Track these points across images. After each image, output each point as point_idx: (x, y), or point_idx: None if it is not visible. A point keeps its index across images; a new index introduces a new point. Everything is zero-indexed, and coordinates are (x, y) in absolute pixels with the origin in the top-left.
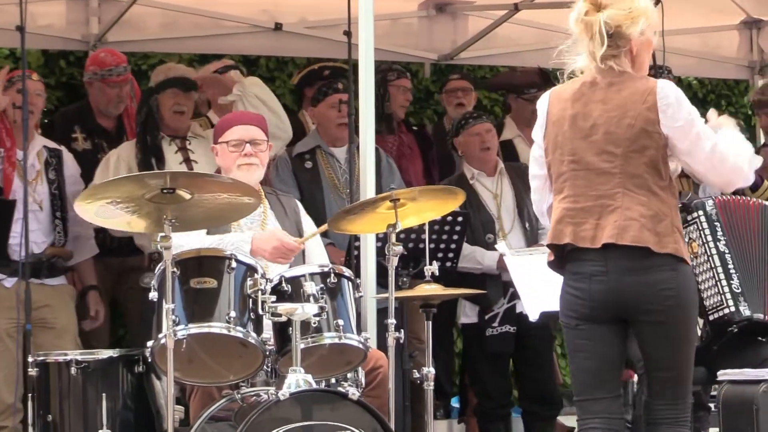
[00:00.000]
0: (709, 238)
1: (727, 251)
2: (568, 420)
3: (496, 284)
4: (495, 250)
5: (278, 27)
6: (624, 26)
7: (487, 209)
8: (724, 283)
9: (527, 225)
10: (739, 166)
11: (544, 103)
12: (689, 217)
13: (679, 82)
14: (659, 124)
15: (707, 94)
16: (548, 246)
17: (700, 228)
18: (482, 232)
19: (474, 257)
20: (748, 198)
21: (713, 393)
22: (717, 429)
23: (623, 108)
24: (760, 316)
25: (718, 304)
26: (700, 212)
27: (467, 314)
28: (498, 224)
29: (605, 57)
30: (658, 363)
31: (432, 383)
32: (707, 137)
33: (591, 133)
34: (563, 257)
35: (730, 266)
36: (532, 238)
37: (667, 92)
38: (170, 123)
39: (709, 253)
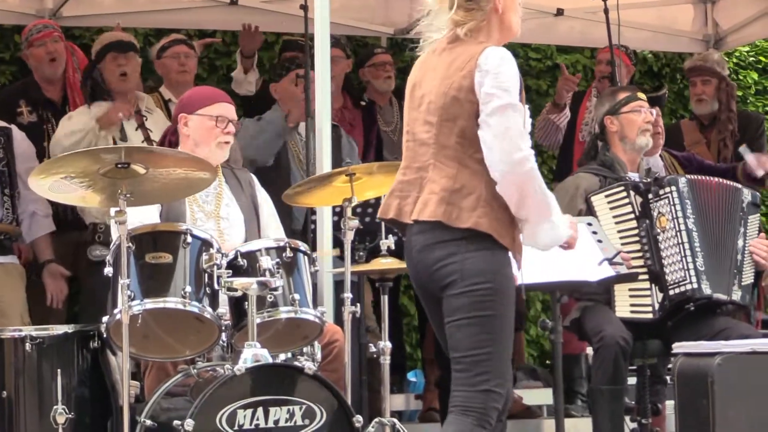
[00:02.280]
0: (679, 214)
1: (694, 229)
2: (525, 393)
3: None
4: None
5: (234, 1)
6: None
7: None
8: (689, 259)
9: None
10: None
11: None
12: (661, 192)
13: (634, 55)
14: (473, 92)
15: (662, 68)
16: (378, 219)
17: (672, 203)
18: None
19: None
20: (719, 180)
21: (670, 366)
22: (673, 401)
23: (443, 76)
24: (722, 296)
25: (680, 280)
26: (673, 188)
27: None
28: None
29: (460, 20)
30: (450, 345)
31: (388, 357)
32: (508, 120)
33: (421, 102)
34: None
35: (696, 244)
36: None
37: (489, 58)
38: (116, 87)
39: (677, 229)
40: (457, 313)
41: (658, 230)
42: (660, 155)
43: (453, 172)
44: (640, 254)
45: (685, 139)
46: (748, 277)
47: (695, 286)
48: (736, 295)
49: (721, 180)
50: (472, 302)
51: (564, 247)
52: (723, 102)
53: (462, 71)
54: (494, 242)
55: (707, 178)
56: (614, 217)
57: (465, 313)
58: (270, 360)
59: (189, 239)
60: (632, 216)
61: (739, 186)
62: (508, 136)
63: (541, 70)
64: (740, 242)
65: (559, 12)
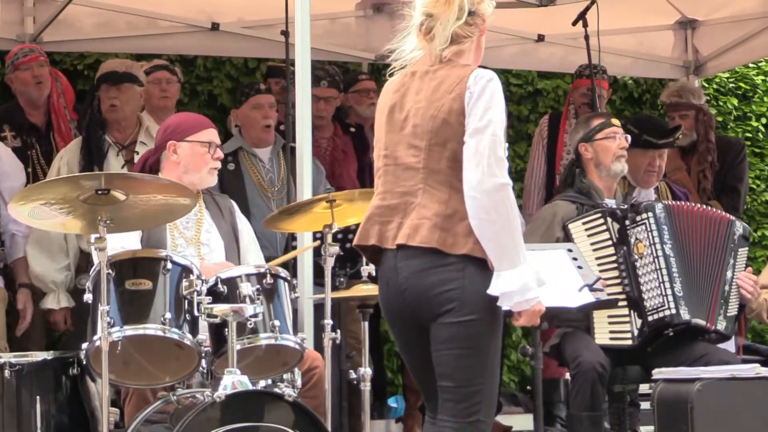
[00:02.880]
0: (656, 240)
1: (672, 255)
2: (506, 419)
3: None
4: None
5: (215, 27)
6: (483, 3)
7: None
8: (667, 285)
9: None
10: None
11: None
12: (638, 218)
13: (614, 81)
14: (463, 114)
15: (642, 94)
16: (355, 247)
17: (649, 229)
18: None
19: None
20: (695, 204)
21: (643, 391)
22: (651, 428)
23: (431, 98)
24: (700, 321)
25: (659, 305)
26: (650, 214)
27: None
28: None
29: (458, 36)
30: (441, 372)
31: (369, 383)
32: (486, 142)
33: (404, 125)
34: (375, 258)
35: (674, 270)
36: None
37: (479, 80)
38: (107, 117)
39: (655, 255)
40: (452, 342)
41: (636, 256)
42: (657, 189)
43: (445, 197)
44: (618, 281)
45: (667, 166)
46: (733, 308)
47: (673, 311)
48: (721, 325)
49: (712, 209)
50: (471, 333)
51: (513, 314)
52: (701, 134)
53: (451, 93)
54: (486, 267)
55: (687, 204)
56: (592, 244)
57: (462, 342)
58: (250, 386)
59: (169, 266)
60: (610, 243)
61: (733, 218)
62: (484, 159)
63: (522, 96)
64: (729, 273)
65: (540, 38)
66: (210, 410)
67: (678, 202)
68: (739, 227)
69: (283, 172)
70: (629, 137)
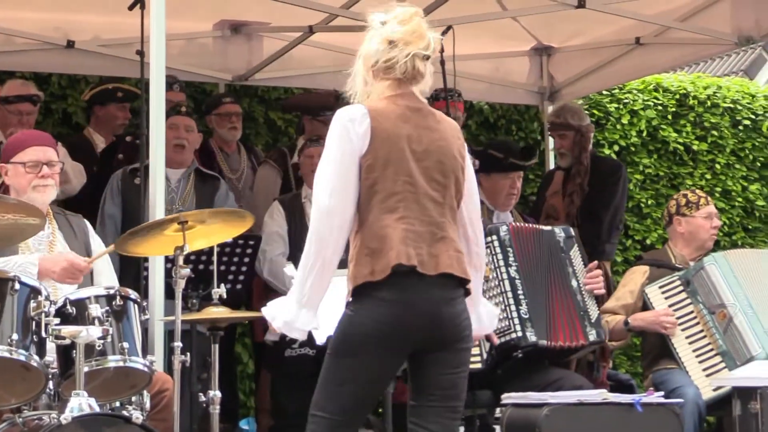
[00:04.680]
0: (501, 263)
1: (517, 277)
2: None
3: None
4: (290, 266)
5: (70, 44)
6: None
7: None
8: (513, 308)
9: None
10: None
11: (361, 118)
12: None
13: (470, 107)
14: (465, 162)
15: (498, 119)
16: (395, 266)
17: (493, 253)
18: (301, 249)
19: (279, 275)
20: (534, 225)
21: (497, 415)
22: None
23: (448, 140)
24: (545, 342)
25: (506, 329)
26: (494, 237)
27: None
28: None
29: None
30: (451, 394)
31: (218, 406)
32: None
33: (423, 158)
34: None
35: (520, 292)
36: (346, 262)
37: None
38: None
39: (500, 278)
40: (463, 366)
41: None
42: (511, 212)
43: (458, 234)
44: None
45: (549, 189)
46: (594, 312)
47: (520, 334)
48: (592, 335)
49: (534, 226)
50: (469, 359)
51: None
52: (575, 155)
53: (459, 140)
54: None
55: (527, 225)
56: None
57: (466, 367)
58: (97, 409)
59: (17, 286)
60: None
61: (549, 228)
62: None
63: None
64: (574, 283)
65: None
66: None
67: (521, 224)
68: (560, 232)
69: (188, 195)
70: (477, 162)
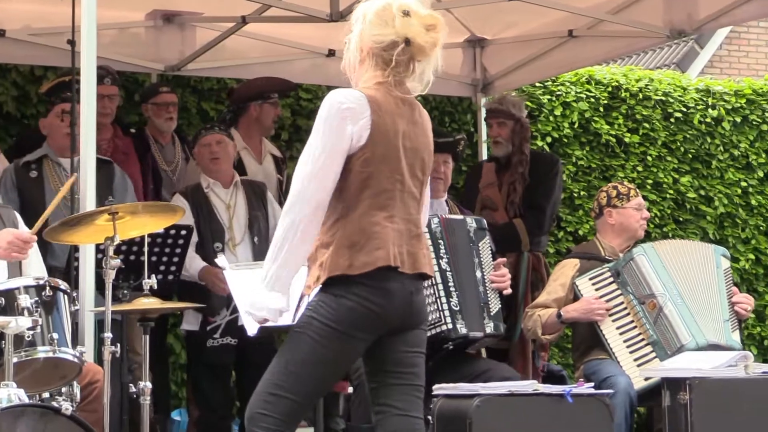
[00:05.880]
0: (432, 255)
1: (448, 269)
2: None
3: (219, 295)
4: (221, 257)
5: (1, 33)
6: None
7: (218, 218)
8: (443, 300)
9: (256, 239)
10: None
11: (362, 106)
12: None
13: None
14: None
15: (431, 111)
16: (382, 268)
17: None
18: (211, 240)
19: (184, 265)
20: (457, 216)
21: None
22: None
23: (427, 135)
24: (477, 334)
25: (436, 321)
26: (425, 229)
27: (190, 321)
28: (228, 234)
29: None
30: (416, 372)
31: (148, 397)
32: None
33: (412, 155)
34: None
35: (451, 284)
36: (260, 252)
37: None
38: None
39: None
40: (422, 346)
41: None
42: (446, 200)
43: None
44: None
45: (481, 180)
46: (495, 306)
47: (450, 326)
48: (489, 327)
49: (448, 216)
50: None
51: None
52: (516, 144)
53: (431, 134)
54: None
55: (455, 216)
56: None
57: (425, 347)
58: (26, 400)
59: None
60: None
61: (461, 216)
62: None
63: (312, 110)
64: (478, 273)
65: (331, 53)
66: None
67: (451, 216)
68: (471, 222)
69: None
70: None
